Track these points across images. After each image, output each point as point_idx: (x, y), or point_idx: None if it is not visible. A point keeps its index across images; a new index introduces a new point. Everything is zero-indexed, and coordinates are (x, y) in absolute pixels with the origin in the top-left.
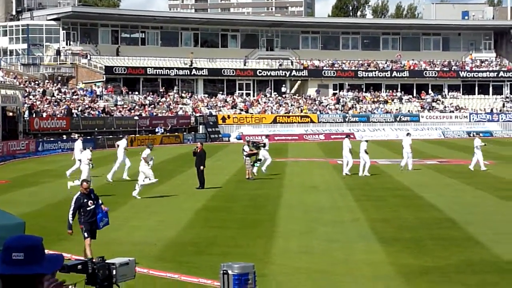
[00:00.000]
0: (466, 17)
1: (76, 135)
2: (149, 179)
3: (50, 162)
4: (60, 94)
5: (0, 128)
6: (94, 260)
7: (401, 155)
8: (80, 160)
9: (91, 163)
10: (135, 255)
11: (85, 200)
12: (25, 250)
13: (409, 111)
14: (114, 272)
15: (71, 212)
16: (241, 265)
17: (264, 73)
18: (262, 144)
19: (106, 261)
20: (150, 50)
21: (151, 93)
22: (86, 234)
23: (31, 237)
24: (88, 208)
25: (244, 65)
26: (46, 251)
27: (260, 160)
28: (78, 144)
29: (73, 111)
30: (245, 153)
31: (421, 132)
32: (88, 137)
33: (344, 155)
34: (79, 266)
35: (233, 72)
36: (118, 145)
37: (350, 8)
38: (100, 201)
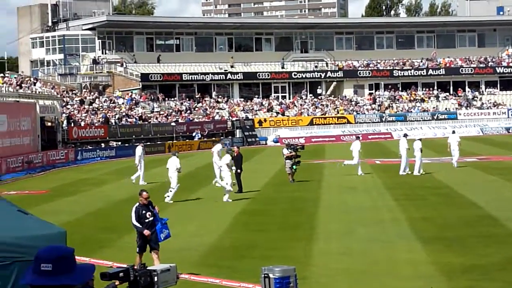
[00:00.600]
0: (501, 13)
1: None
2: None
3: (89, 170)
4: (97, 102)
5: (39, 138)
6: (135, 267)
7: (444, 153)
8: (138, 165)
9: (178, 170)
10: (176, 261)
11: (143, 212)
12: (54, 261)
13: (446, 109)
14: (155, 279)
15: (134, 220)
16: (283, 268)
17: (299, 75)
18: (300, 147)
19: (148, 268)
20: (185, 56)
21: (187, 99)
22: (138, 249)
23: (61, 248)
24: (147, 220)
25: (282, 68)
26: (85, 260)
27: (298, 162)
28: (139, 150)
29: (110, 119)
30: (284, 156)
31: (459, 130)
32: (126, 145)
33: (402, 154)
34: (121, 274)
35: (268, 76)
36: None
37: (384, 7)
38: (156, 209)
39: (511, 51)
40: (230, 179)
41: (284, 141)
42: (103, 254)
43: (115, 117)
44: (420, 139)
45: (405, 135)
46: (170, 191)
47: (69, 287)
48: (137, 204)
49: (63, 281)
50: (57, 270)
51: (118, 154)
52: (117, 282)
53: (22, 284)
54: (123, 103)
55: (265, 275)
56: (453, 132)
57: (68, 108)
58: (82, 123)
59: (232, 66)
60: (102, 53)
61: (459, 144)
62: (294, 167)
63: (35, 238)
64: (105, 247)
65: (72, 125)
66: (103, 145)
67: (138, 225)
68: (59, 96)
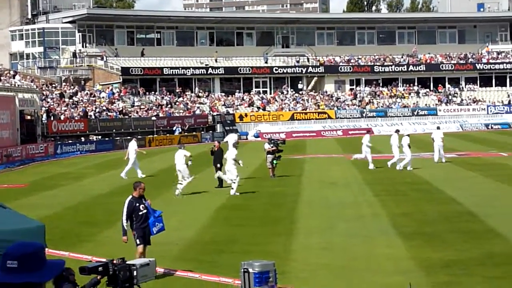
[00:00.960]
0: (482, 9)
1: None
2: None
3: (68, 164)
4: (78, 96)
5: (18, 131)
6: (114, 262)
7: (424, 149)
8: (128, 158)
9: (190, 161)
10: (155, 256)
11: (137, 204)
12: (20, 258)
13: (426, 104)
14: (135, 273)
15: (124, 217)
16: (262, 263)
17: (280, 70)
18: (281, 141)
19: (127, 262)
20: (166, 50)
21: (168, 93)
22: (138, 241)
23: (29, 245)
24: (140, 213)
25: (266, 62)
26: (64, 254)
27: (279, 157)
28: (133, 145)
29: (90, 113)
30: (265, 151)
31: (439, 126)
32: (106, 139)
33: (394, 150)
34: (100, 268)
35: (249, 70)
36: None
37: (365, 3)
38: (148, 202)
39: (491, 47)
40: (236, 172)
41: (265, 136)
42: (82, 248)
43: (95, 111)
44: (408, 135)
45: (397, 131)
46: (180, 183)
47: (36, 285)
48: (130, 197)
49: (28, 278)
50: (23, 267)
51: (98, 148)
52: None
53: None
54: (103, 97)
55: (245, 269)
56: (438, 128)
57: (48, 102)
58: (62, 117)
59: (216, 61)
60: (83, 47)
61: (442, 140)
62: (275, 162)
63: (13, 232)
64: (85, 241)
65: (52, 118)
66: (83, 139)
67: (125, 226)
68: (38, 89)
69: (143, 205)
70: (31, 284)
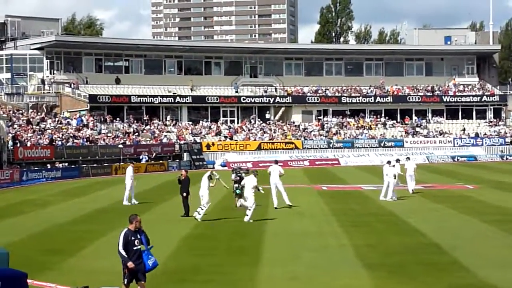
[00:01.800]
0: (449, 42)
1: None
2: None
3: (34, 191)
4: (44, 123)
5: None
6: None
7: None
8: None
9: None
10: (119, 285)
11: (132, 238)
12: (4, 280)
13: (393, 136)
14: None
15: (121, 247)
16: None
17: (248, 100)
18: (245, 171)
19: None
20: (134, 78)
21: (135, 121)
22: (126, 280)
23: (14, 270)
24: (135, 248)
25: (236, 92)
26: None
27: (243, 187)
28: (129, 171)
29: (56, 140)
30: (232, 181)
31: (405, 157)
32: (73, 166)
33: (385, 180)
34: None
35: (217, 99)
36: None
37: (333, 34)
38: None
39: (457, 80)
40: (253, 200)
41: (232, 165)
42: (46, 276)
43: (62, 138)
44: (394, 165)
45: (398, 160)
46: (202, 208)
47: None
48: (126, 229)
49: None
50: None
51: (64, 175)
52: None
53: None
54: (70, 124)
55: None
56: (408, 158)
57: (15, 128)
58: (28, 144)
59: (191, 90)
60: (50, 73)
61: (415, 170)
62: (238, 191)
63: None
64: (48, 269)
65: (18, 145)
66: (49, 166)
67: (124, 254)
68: (5, 115)
69: (138, 240)
70: None
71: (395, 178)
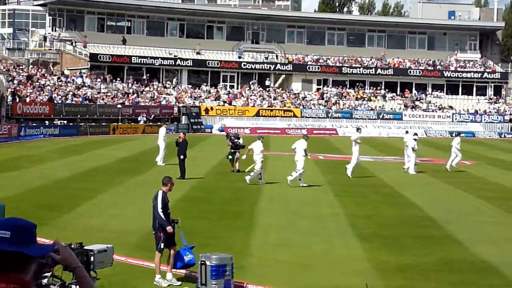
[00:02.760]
0: (453, 17)
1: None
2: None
3: (31, 147)
4: (44, 80)
5: None
6: (72, 246)
7: (390, 152)
8: (159, 145)
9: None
10: (114, 243)
11: (167, 201)
12: (13, 229)
13: (392, 109)
14: (92, 258)
15: (160, 210)
16: (219, 256)
17: (248, 66)
18: (233, 135)
19: (85, 247)
20: (136, 39)
21: (135, 82)
22: (162, 245)
23: (22, 220)
24: (168, 211)
25: (239, 57)
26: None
27: (233, 153)
28: (162, 131)
29: (56, 97)
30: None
31: (404, 131)
32: (71, 124)
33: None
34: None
35: (217, 64)
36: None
37: (337, 4)
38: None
39: (459, 56)
40: (303, 164)
41: (229, 130)
42: (41, 232)
43: (61, 95)
44: (415, 138)
45: (414, 133)
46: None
47: (25, 258)
48: (161, 191)
49: (19, 249)
50: (15, 238)
51: (62, 133)
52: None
53: None
54: (70, 82)
55: (202, 262)
56: (406, 132)
57: (14, 83)
58: (28, 99)
59: (198, 53)
60: (52, 30)
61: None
62: (230, 157)
63: None
64: (44, 224)
65: (17, 100)
66: (47, 122)
67: (163, 217)
68: (5, 70)
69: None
70: (22, 256)
71: (413, 150)
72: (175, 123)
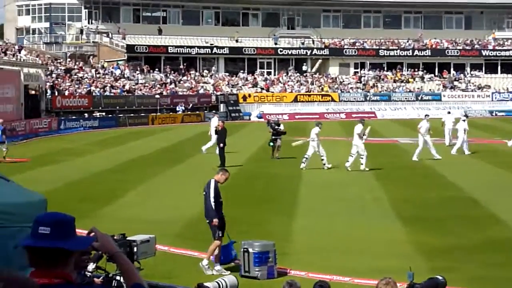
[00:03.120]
0: None
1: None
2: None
3: (71, 140)
4: (82, 72)
5: (22, 106)
6: (115, 238)
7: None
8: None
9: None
10: (155, 233)
11: (219, 191)
12: (52, 225)
13: (430, 90)
14: (135, 249)
15: (212, 199)
16: (262, 243)
17: (285, 51)
18: (274, 123)
19: (127, 238)
20: (172, 28)
21: (172, 71)
22: (220, 233)
23: (61, 214)
24: (220, 199)
25: (275, 44)
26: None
27: (275, 140)
28: (214, 121)
29: (94, 89)
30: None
31: (443, 111)
32: (110, 115)
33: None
34: None
35: (254, 51)
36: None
37: None
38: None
39: (497, 34)
40: (363, 147)
41: (268, 117)
42: (82, 224)
43: (99, 87)
44: (464, 120)
45: (466, 116)
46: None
47: (66, 252)
48: (214, 181)
49: (61, 244)
50: (55, 234)
51: (101, 125)
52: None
53: (19, 247)
54: (108, 74)
55: (245, 249)
56: (449, 112)
57: (53, 77)
58: (66, 93)
59: (237, 41)
60: (88, 23)
61: (453, 125)
62: (271, 144)
63: (16, 205)
64: (85, 217)
65: (56, 94)
66: (86, 115)
67: (214, 207)
68: (43, 64)
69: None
70: (63, 251)
71: (464, 133)
72: (214, 111)
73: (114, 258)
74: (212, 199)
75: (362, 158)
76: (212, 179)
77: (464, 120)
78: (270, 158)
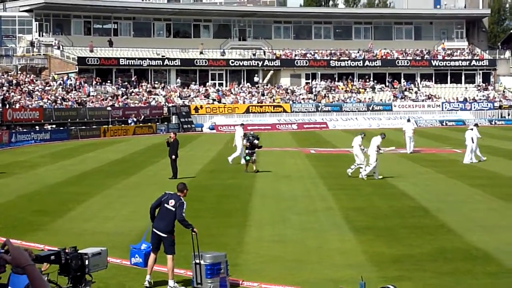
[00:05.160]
0: (438, 6)
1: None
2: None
3: (23, 153)
4: (33, 85)
5: None
6: (67, 251)
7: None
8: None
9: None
10: (108, 245)
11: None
12: None
13: (381, 100)
14: (86, 262)
15: (182, 217)
16: (213, 255)
17: (236, 63)
18: (253, 137)
19: (79, 251)
20: (123, 40)
21: (124, 83)
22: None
23: None
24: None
25: (222, 55)
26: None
27: (251, 154)
28: (239, 131)
29: (45, 102)
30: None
31: (394, 121)
32: (61, 128)
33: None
34: (52, 257)
35: (205, 62)
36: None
37: None
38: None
39: (446, 44)
40: (375, 158)
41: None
42: (35, 237)
43: (50, 100)
44: (472, 128)
45: (476, 125)
46: (360, 166)
47: None
48: (181, 197)
49: None
50: None
51: (53, 138)
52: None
53: None
54: (59, 86)
55: (196, 262)
56: (408, 120)
57: (3, 90)
58: (17, 105)
59: (201, 53)
60: (39, 36)
61: (413, 132)
62: (247, 158)
63: None
64: (37, 230)
65: (7, 107)
66: (37, 128)
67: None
68: None
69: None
70: None
71: (472, 141)
72: (165, 123)
73: (25, 271)
74: (182, 216)
75: (369, 166)
76: (179, 196)
77: (471, 129)
78: (244, 171)
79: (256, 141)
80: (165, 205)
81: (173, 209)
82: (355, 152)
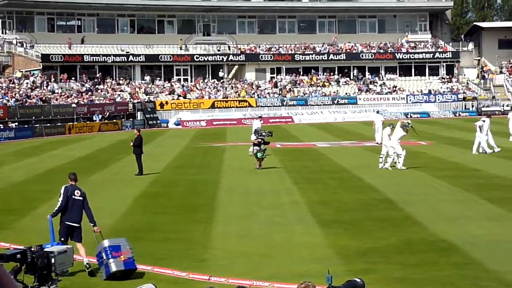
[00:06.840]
0: None
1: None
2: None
3: None
4: None
5: None
6: (32, 249)
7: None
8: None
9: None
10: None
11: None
12: None
13: (346, 93)
14: (52, 260)
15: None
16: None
17: (201, 58)
18: (268, 133)
19: (45, 250)
20: (87, 37)
21: (88, 80)
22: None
23: None
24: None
25: (181, 49)
26: None
27: (264, 150)
28: (256, 123)
29: (9, 100)
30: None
31: (359, 114)
32: (26, 126)
33: (477, 136)
34: (18, 255)
35: (170, 58)
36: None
37: None
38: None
39: (410, 37)
40: (401, 148)
41: (186, 124)
42: (0, 236)
43: (15, 97)
44: (484, 120)
45: (489, 116)
46: (389, 157)
47: None
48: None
49: None
50: None
51: (17, 136)
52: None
53: None
54: (22, 83)
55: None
56: (377, 112)
57: None
58: None
59: (181, 48)
60: (2, 33)
61: (383, 123)
62: (259, 155)
63: None
64: (3, 228)
65: None
66: (1, 126)
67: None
68: None
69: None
70: None
71: (481, 131)
72: (131, 119)
73: None
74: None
75: (400, 156)
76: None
77: (483, 120)
78: (254, 168)
79: (265, 137)
80: (73, 196)
81: (81, 198)
82: (391, 145)
